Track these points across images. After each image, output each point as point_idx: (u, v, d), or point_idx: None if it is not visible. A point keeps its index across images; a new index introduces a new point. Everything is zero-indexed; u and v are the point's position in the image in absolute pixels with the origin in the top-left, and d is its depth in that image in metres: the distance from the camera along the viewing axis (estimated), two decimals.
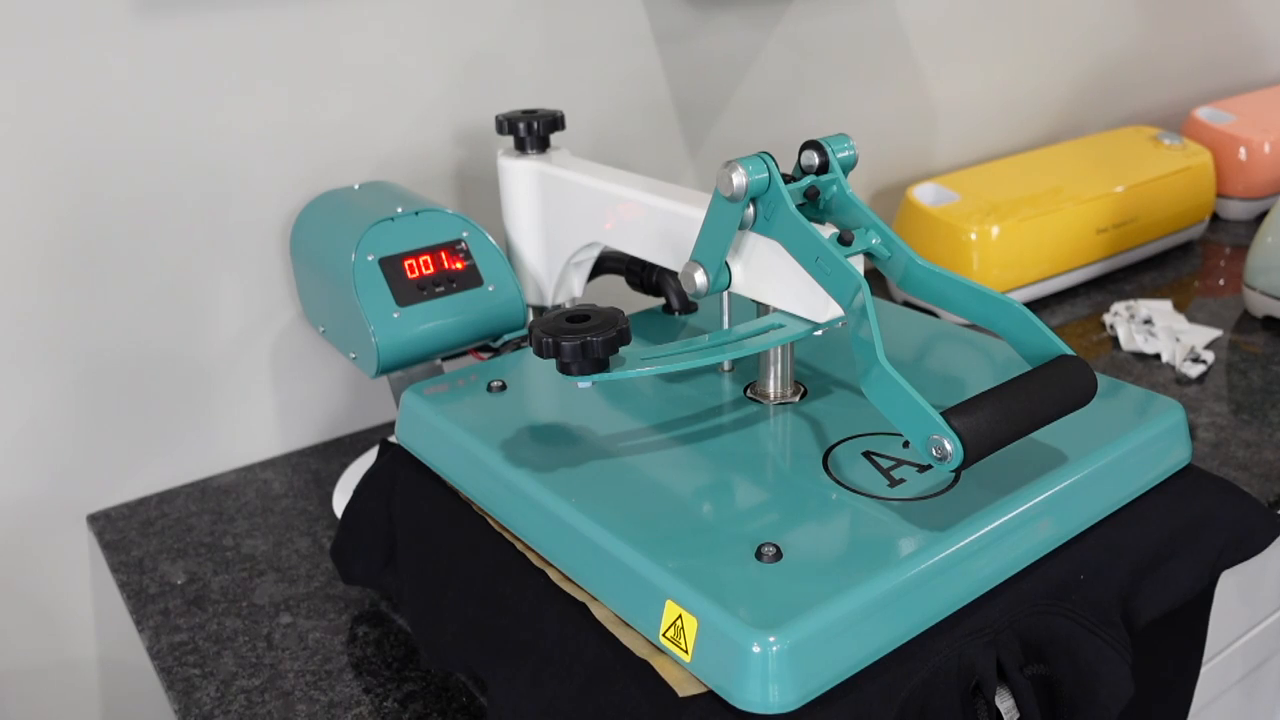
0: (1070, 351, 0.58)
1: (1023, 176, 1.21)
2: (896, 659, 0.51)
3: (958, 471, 0.58)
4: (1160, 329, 1.05)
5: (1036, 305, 1.17)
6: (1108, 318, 1.09)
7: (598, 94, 1.05)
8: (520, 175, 0.83)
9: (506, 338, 0.80)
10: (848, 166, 0.63)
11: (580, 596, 0.56)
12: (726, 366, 0.72)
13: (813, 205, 0.63)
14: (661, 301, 0.82)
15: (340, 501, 0.86)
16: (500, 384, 0.70)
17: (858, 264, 0.60)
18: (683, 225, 0.70)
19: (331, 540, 0.81)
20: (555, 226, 0.83)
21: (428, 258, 0.77)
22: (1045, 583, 0.56)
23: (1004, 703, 0.53)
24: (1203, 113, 1.43)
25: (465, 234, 0.79)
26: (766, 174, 0.59)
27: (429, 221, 0.78)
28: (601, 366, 0.57)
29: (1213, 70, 1.65)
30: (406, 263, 0.76)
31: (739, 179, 0.59)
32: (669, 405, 0.67)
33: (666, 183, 0.74)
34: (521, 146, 0.83)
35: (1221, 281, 1.20)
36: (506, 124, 0.82)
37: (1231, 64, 1.68)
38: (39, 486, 0.87)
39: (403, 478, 0.70)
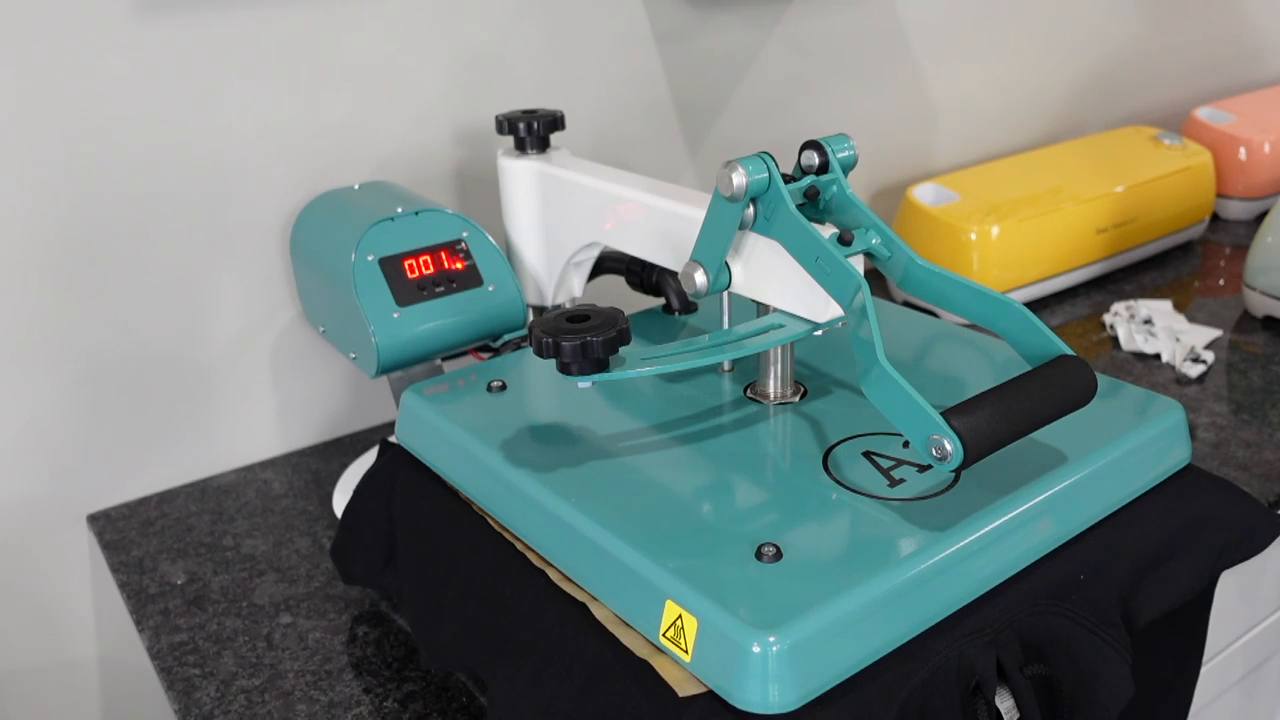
0: (1070, 351, 0.58)
1: (1023, 176, 1.21)
2: (896, 659, 0.51)
3: (958, 471, 0.58)
4: (1160, 329, 1.05)
5: (1036, 305, 1.17)
6: (1108, 318, 1.09)
7: (598, 94, 1.05)
8: (520, 175, 0.83)
9: (506, 338, 0.80)
10: (848, 166, 0.63)
11: (580, 596, 0.56)
12: (726, 366, 0.72)
13: (813, 205, 0.63)
14: (661, 301, 0.82)
15: (340, 501, 0.86)
16: (500, 384, 0.70)
17: (858, 264, 0.60)
18: (683, 225, 0.70)
19: (331, 540, 0.81)
20: (555, 226, 0.83)
21: (428, 258, 0.77)
22: (1045, 583, 0.56)
23: (1004, 703, 0.53)
24: (1203, 113, 1.43)
25: (465, 234, 0.79)
26: (766, 174, 0.59)
27: (429, 221, 0.78)
28: (601, 366, 0.57)
29: (1213, 70, 1.65)
30: (406, 263, 0.76)
31: (739, 179, 0.59)
32: (669, 405, 0.67)
33: (666, 183, 0.74)
34: (521, 146, 0.83)
35: (1221, 281, 1.20)
36: (506, 124, 0.82)
37: (1231, 64, 1.68)
38: (39, 486, 0.87)
39: (403, 478, 0.70)
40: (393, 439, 0.75)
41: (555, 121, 0.82)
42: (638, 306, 1.15)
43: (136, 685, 0.97)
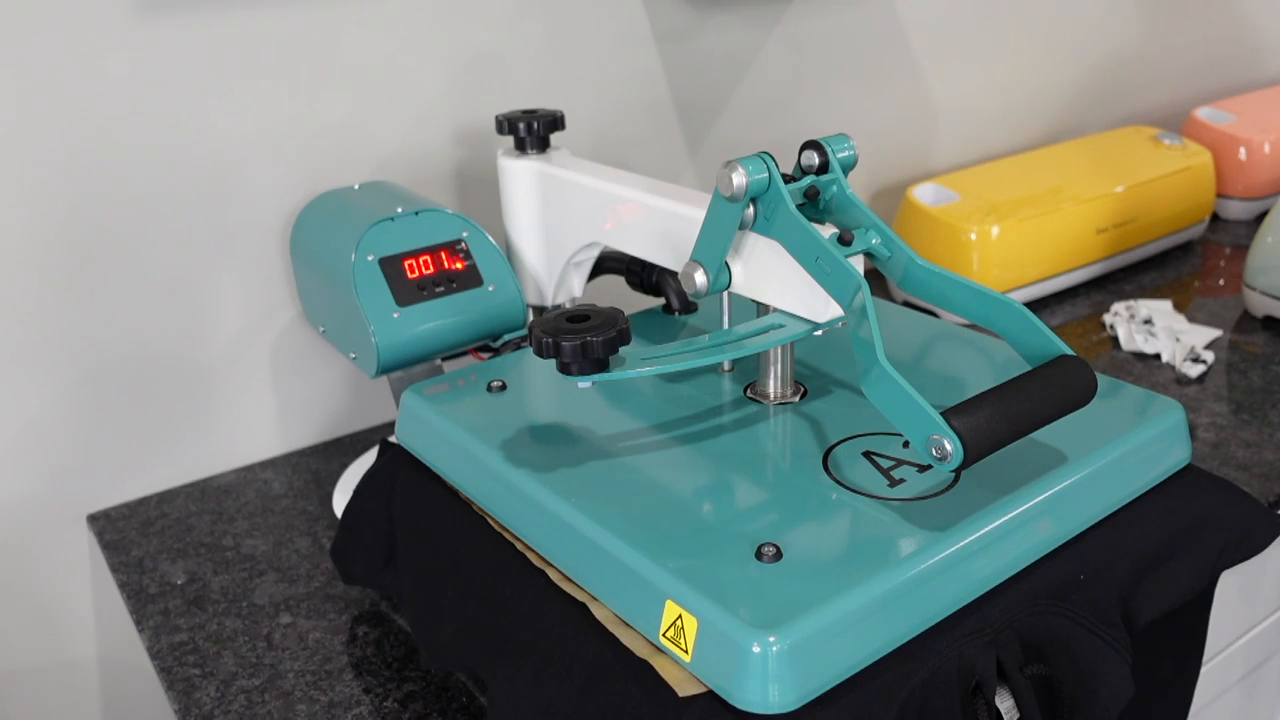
0: (1070, 351, 0.58)
1: (1023, 176, 1.21)
2: (896, 659, 0.51)
3: (958, 471, 0.58)
4: (1160, 329, 1.05)
5: (1036, 305, 1.17)
6: (1108, 318, 1.09)
7: (598, 94, 1.05)
8: (520, 175, 0.83)
9: (506, 338, 0.80)
10: (848, 166, 0.63)
11: (580, 596, 0.56)
12: (726, 366, 0.72)
13: (813, 205, 0.63)
14: (661, 301, 0.82)
15: (340, 501, 0.86)
16: (500, 384, 0.70)
17: (858, 264, 0.60)
18: (683, 225, 0.70)
19: (331, 540, 0.81)
20: (555, 226, 0.83)
21: (428, 258, 0.77)
22: (1045, 583, 0.56)
23: (1004, 703, 0.53)
24: (1203, 113, 1.43)
25: (465, 234, 0.79)
26: (766, 174, 0.59)
27: (429, 221, 0.78)
28: (601, 366, 0.57)
29: (1213, 70, 1.65)
30: (406, 263, 0.76)
31: (739, 179, 0.59)
32: (669, 405, 0.67)
33: (666, 183, 0.74)
34: (521, 146, 0.83)
35: (1221, 281, 1.20)
36: (506, 124, 0.82)
37: (1231, 64, 1.68)
38: (39, 486, 0.87)
39: (403, 478, 0.70)
40: (393, 439, 0.75)
41: (555, 121, 0.82)
42: (638, 306, 1.15)
43: (136, 685, 0.97)
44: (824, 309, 0.61)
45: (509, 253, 0.86)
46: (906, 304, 1.12)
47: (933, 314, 0.99)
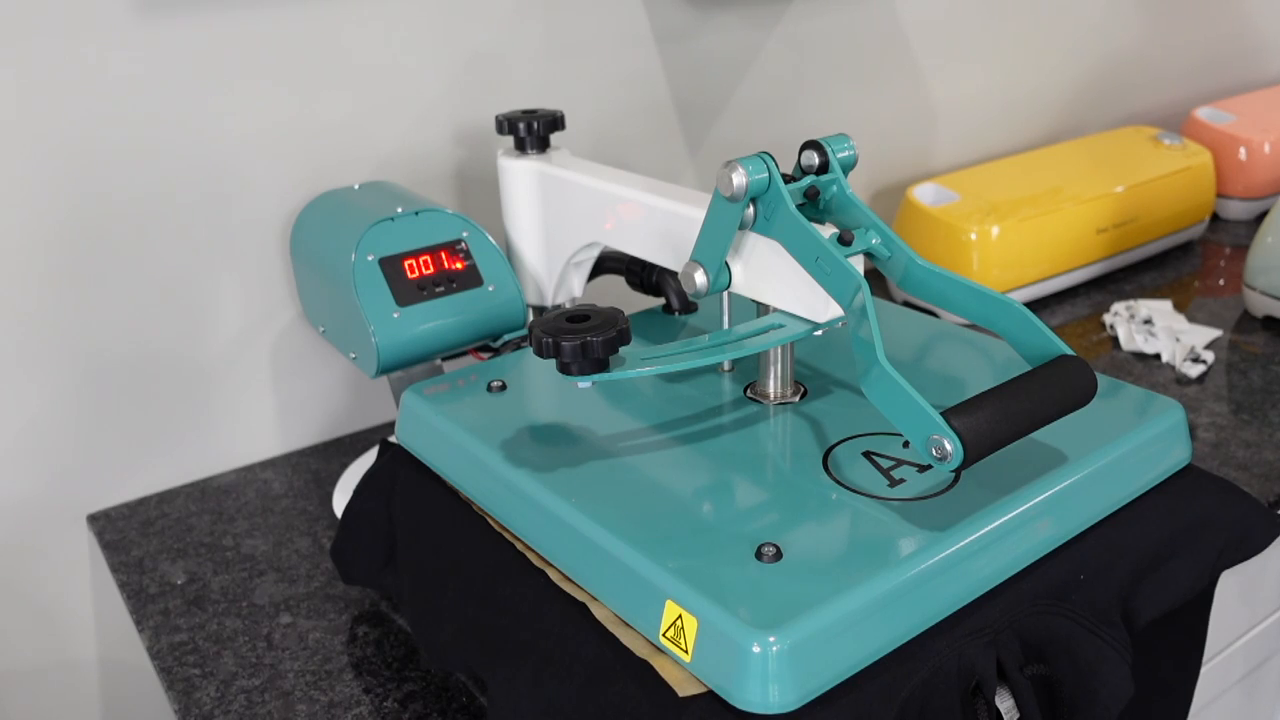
0: (1070, 351, 0.58)
1: (1023, 176, 1.21)
2: (896, 659, 0.51)
3: (958, 471, 0.58)
4: (1160, 329, 1.05)
5: (1036, 305, 1.17)
6: (1108, 318, 1.09)
7: (598, 94, 1.05)
8: (520, 175, 0.83)
9: (506, 338, 0.80)
10: (848, 166, 0.63)
11: (580, 596, 0.56)
12: (726, 366, 0.72)
13: (813, 205, 0.63)
14: (661, 301, 0.82)
15: (340, 501, 0.86)
16: (500, 384, 0.70)
17: (858, 264, 0.60)
18: (683, 225, 0.70)
19: (331, 540, 0.81)
20: (555, 226, 0.83)
21: (428, 258, 0.77)
22: (1045, 583, 0.56)
23: (1004, 703, 0.53)
24: (1203, 113, 1.43)
25: (465, 234, 0.79)
26: (766, 174, 0.59)
27: (429, 221, 0.78)
28: (601, 366, 0.57)
29: (1213, 70, 1.65)
30: (406, 263, 0.76)
31: (739, 179, 0.59)
32: (669, 405, 0.67)
33: (666, 183, 0.74)
34: (521, 146, 0.83)
35: (1221, 281, 1.20)
36: (506, 124, 0.82)
37: (1231, 64, 1.68)
38: (39, 486, 0.87)
39: (403, 478, 0.70)
40: (393, 439, 0.75)
41: (555, 121, 0.82)
42: (638, 306, 1.15)
43: (136, 685, 0.97)
44: (824, 309, 0.61)
45: (509, 253, 0.86)
46: (906, 304, 1.12)
47: (933, 314, 0.99)
